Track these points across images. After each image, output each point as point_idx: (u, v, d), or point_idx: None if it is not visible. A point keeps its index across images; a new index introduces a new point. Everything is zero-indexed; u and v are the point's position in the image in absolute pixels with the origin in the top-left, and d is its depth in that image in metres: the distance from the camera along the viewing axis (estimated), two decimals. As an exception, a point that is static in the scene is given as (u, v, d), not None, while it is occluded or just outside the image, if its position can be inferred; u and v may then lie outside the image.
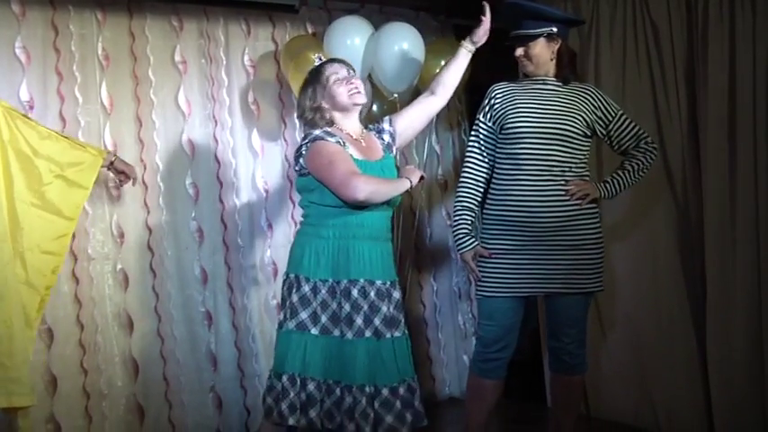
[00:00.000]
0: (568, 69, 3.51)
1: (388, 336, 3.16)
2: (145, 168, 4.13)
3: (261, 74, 4.49)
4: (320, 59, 3.45)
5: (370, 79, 4.29)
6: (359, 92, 3.29)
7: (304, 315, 3.15)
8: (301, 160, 3.17)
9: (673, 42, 4.01)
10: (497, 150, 3.52)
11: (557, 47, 3.47)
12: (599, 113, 3.48)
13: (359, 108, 3.35)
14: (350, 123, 3.31)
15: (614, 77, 4.21)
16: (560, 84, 3.50)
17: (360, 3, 4.65)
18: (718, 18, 3.78)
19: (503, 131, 3.48)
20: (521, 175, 3.41)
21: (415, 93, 4.43)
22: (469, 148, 3.60)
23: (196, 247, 4.27)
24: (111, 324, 4.01)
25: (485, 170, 3.56)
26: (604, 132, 3.51)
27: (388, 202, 3.23)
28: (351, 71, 3.34)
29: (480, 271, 3.50)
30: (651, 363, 4.19)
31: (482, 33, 3.55)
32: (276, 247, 4.46)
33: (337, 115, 3.28)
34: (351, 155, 3.16)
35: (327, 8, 4.62)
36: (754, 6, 3.64)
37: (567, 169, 3.41)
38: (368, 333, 3.12)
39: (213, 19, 4.37)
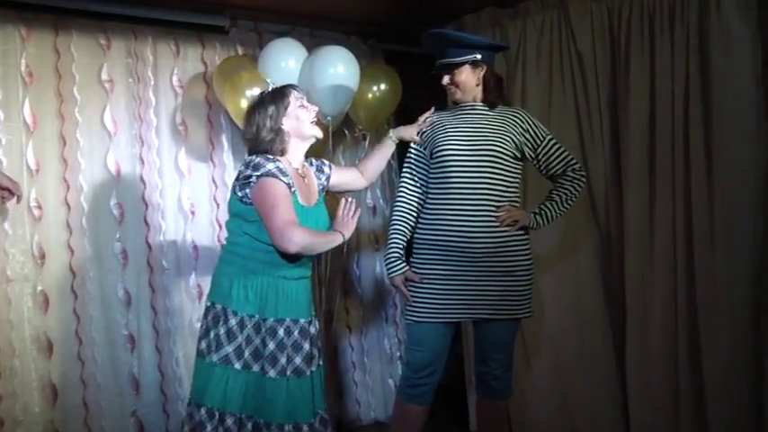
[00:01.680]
0: (495, 94, 3.55)
1: (308, 373, 3.17)
2: (68, 188, 4.07)
3: (189, 94, 4.46)
4: (272, 84, 3.42)
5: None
6: (316, 124, 3.30)
7: (229, 349, 3.09)
8: (248, 190, 3.08)
9: (597, 70, 4.11)
10: (429, 176, 3.55)
11: (482, 73, 3.52)
12: (527, 136, 3.53)
13: (312, 141, 3.31)
14: (298, 154, 3.26)
15: (540, 104, 4.29)
16: (487, 109, 3.55)
17: (290, 26, 4.66)
18: (640, 49, 3.88)
19: (433, 157, 3.51)
20: (451, 200, 3.43)
21: (346, 117, 4.47)
22: (403, 174, 3.64)
23: (120, 268, 4.20)
24: (29, 348, 3.92)
25: (417, 195, 3.58)
26: (533, 155, 3.55)
27: None
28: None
29: (412, 296, 3.50)
30: (573, 387, 4.25)
31: (410, 134, 3.64)
32: (201, 268, 4.41)
33: (293, 142, 3.22)
34: (296, 199, 3.12)
35: (258, 30, 4.62)
36: (672, 39, 3.74)
37: (497, 193, 3.43)
38: (289, 372, 3.11)
39: (141, 38, 4.33)
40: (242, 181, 3.10)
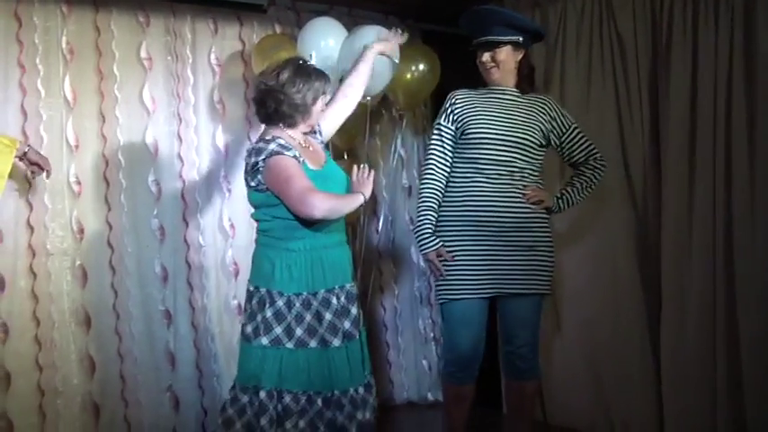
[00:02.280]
0: (527, 81, 3.58)
1: (357, 336, 3.19)
2: (107, 164, 4.10)
3: (227, 73, 4.48)
4: (314, 59, 3.43)
5: (341, 81, 4.29)
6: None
7: (279, 330, 3.08)
8: (259, 176, 3.08)
9: (637, 55, 4.07)
10: (456, 154, 3.55)
11: (520, 56, 3.53)
12: (554, 124, 3.56)
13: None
14: (300, 132, 3.25)
15: (579, 88, 4.25)
16: (518, 94, 3.56)
17: (328, 4, 4.66)
18: (682, 32, 3.84)
19: (464, 136, 3.51)
20: (481, 178, 3.45)
21: (383, 97, 4.47)
22: (431, 151, 3.60)
23: (157, 244, 4.24)
24: (68, 321, 3.96)
25: (446, 172, 3.57)
26: (558, 143, 3.59)
27: None
28: None
29: (448, 274, 3.48)
30: (607, 370, 4.23)
31: (390, 49, 3.65)
32: (238, 247, 4.44)
33: (305, 124, 3.23)
34: (306, 167, 3.12)
35: (296, 9, 4.63)
36: (717, 21, 3.70)
37: (525, 175, 3.47)
38: (345, 338, 3.13)
39: (180, 16, 4.35)
40: (251, 171, 3.10)
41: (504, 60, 3.50)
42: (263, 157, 3.06)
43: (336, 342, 3.11)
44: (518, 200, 3.45)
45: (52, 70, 3.98)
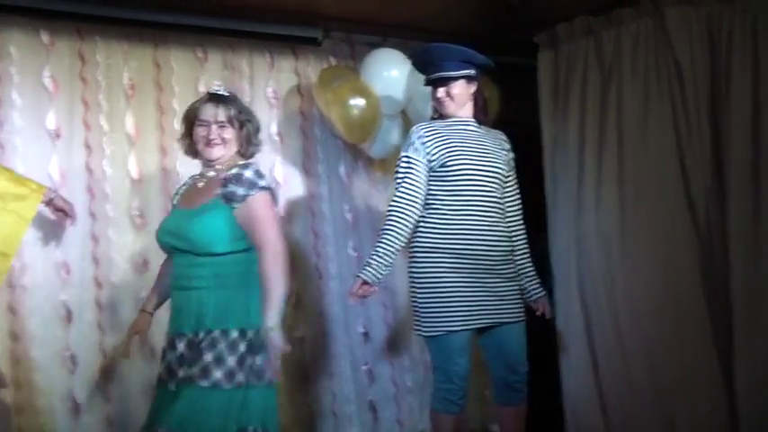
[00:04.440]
0: (482, 112, 3.75)
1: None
2: (168, 198, 4.14)
3: (285, 106, 4.54)
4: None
5: (403, 113, 4.34)
6: None
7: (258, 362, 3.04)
8: (242, 204, 3.09)
9: (696, 81, 3.98)
10: (436, 187, 3.60)
11: (473, 89, 3.68)
12: (508, 157, 3.79)
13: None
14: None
15: (637, 113, 4.18)
16: (477, 126, 3.72)
17: (382, 36, 4.70)
18: (742, 59, 3.78)
19: (442, 168, 3.57)
20: (470, 210, 3.57)
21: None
22: (406, 180, 3.58)
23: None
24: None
25: (420, 204, 3.59)
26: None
27: None
28: None
29: (441, 306, 3.51)
30: (675, 405, 3.99)
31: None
32: (299, 278, 4.43)
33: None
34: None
35: (350, 41, 4.68)
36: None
37: (502, 206, 3.70)
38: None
39: (237, 51, 4.43)
40: (236, 194, 3.10)
41: (458, 94, 3.63)
42: (257, 187, 3.10)
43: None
44: (501, 231, 3.64)
45: (114, 106, 4.09)
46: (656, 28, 4.15)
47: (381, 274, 3.49)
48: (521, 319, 3.67)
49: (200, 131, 3.22)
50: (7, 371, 3.71)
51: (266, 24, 4.38)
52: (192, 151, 3.31)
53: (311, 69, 4.59)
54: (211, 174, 3.23)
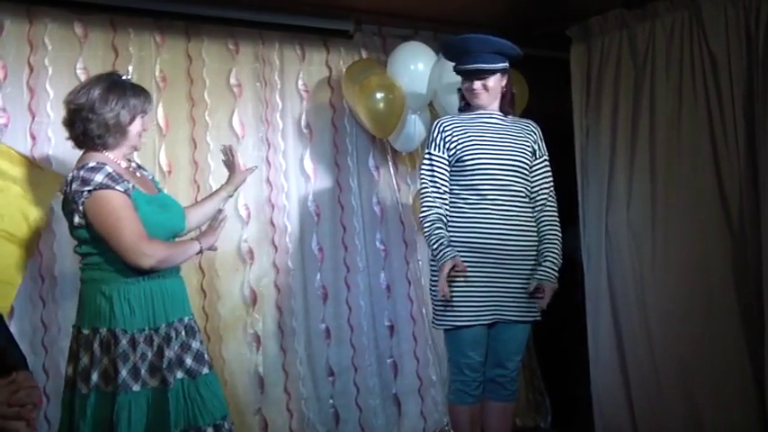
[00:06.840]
0: (510, 104, 3.73)
1: (203, 373, 2.97)
2: (198, 190, 4.18)
3: (315, 98, 4.54)
4: (130, 76, 3.12)
5: (430, 106, 4.31)
6: None
7: (124, 373, 2.79)
8: (77, 216, 2.83)
9: (731, 74, 3.92)
10: (453, 181, 3.61)
11: (506, 81, 3.67)
12: (535, 147, 3.71)
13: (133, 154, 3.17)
14: (122, 156, 3.01)
15: (670, 106, 4.13)
16: (503, 117, 3.69)
17: (414, 29, 4.68)
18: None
19: (459, 163, 3.58)
20: (486, 204, 3.55)
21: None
22: (429, 178, 3.61)
23: (245, 268, 4.29)
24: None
25: (446, 198, 3.61)
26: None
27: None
28: None
29: (454, 300, 3.51)
30: (704, 406, 3.94)
31: (236, 184, 3.52)
32: (326, 270, 4.49)
33: (125, 146, 2.98)
34: (138, 194, 2.90)
35: (381, 34, 4.67)
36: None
37: (524, 199, 3.62)
38: (187, 375, 2.91)
39: (269, 43, 4.43)
40: (72, 203, 2.84)
41: (493, 87, 3.62)
42: (88, 188, 2.79)
43: (172, 379, 2.85)
44: (520, 226, 3.58)
45: (146, 98, 4.09)
46: (692, 20, 4.08)
47: (450, 250, 3.47)
48: (529, 318, 3.64)
49: (149, 126, 3.13)
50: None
51: (298, 17, 4.37)
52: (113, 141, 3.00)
53: (342, 62, 4.59)
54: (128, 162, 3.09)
